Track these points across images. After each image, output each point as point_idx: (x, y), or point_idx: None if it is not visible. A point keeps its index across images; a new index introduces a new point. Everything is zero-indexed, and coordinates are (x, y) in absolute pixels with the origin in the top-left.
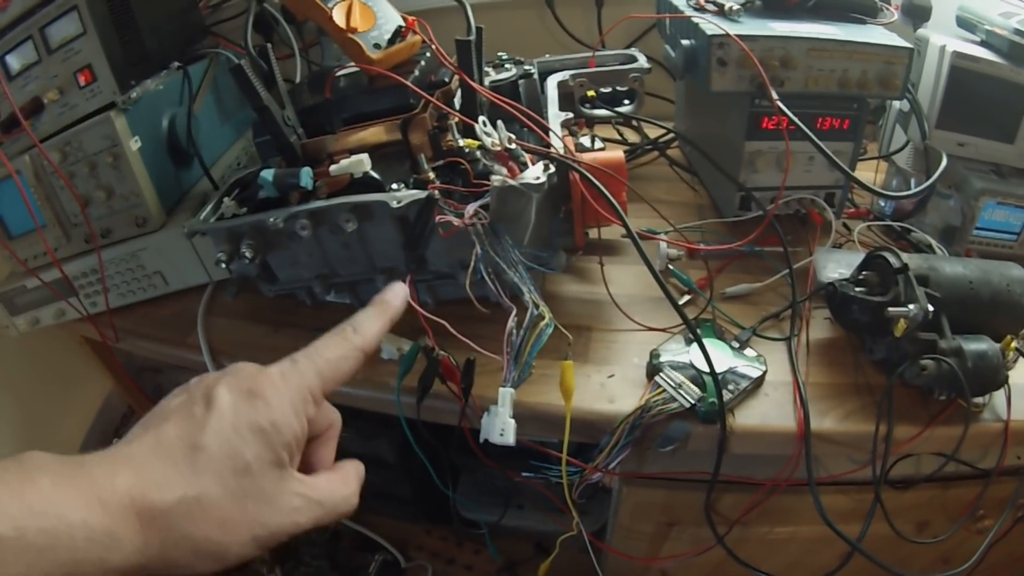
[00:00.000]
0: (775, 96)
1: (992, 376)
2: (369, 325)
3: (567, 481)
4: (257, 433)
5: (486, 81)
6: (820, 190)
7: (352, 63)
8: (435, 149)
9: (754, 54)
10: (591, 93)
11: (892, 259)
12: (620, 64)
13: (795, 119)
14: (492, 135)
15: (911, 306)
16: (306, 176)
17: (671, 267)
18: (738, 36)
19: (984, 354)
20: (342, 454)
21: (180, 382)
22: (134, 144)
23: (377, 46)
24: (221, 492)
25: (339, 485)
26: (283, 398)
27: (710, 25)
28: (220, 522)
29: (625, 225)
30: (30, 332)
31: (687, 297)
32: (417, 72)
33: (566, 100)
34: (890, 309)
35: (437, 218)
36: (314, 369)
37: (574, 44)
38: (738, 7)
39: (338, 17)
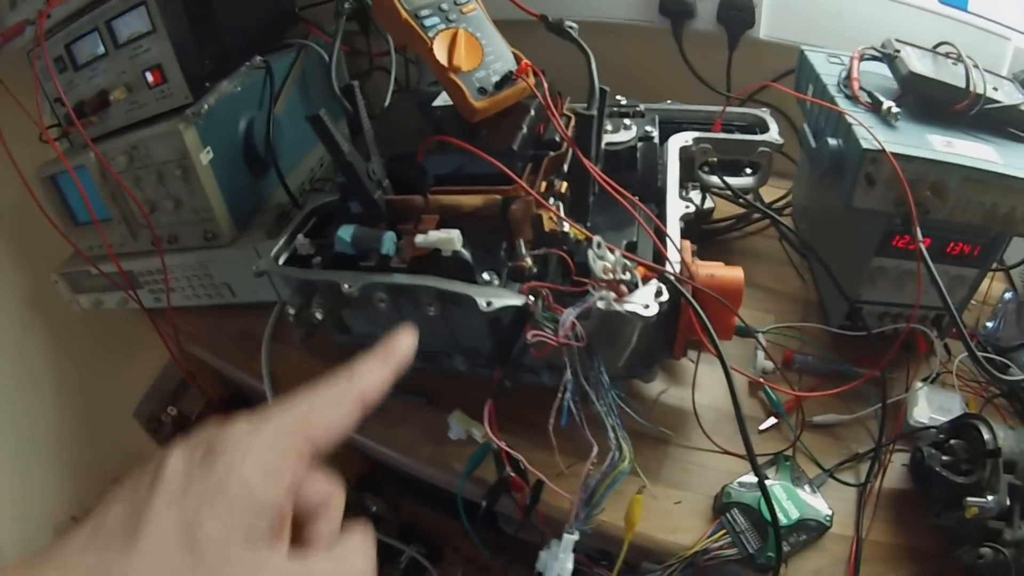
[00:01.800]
0: (920, 238)
1: None
2: (370, 372)
3: None
4: (217, 499)
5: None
6: (930, 311)
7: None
8: (536, 232)
9: (906, 176)
10: (713, 160)
11: (986, 436)
12: (748, 123)
13: (930, 263)
14: (606, 258)
15: (990, 498)
16: (389, 242)
17: (764, 382)
18: (894, 155)
19: None
20: None
21: None
22: (204, 157)
23: (483, 90)
24: None
25: (344, 561)
26: (252, 455)
27: (866, 134)
28: None
29: (723, 363)
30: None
31: (772, 420)
32: (525, 128)
33: (685, 165)
34: (968, 499)
35: (531, 335)
36: (295, 421)
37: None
38: (897, 109)
39: (439, 51)
